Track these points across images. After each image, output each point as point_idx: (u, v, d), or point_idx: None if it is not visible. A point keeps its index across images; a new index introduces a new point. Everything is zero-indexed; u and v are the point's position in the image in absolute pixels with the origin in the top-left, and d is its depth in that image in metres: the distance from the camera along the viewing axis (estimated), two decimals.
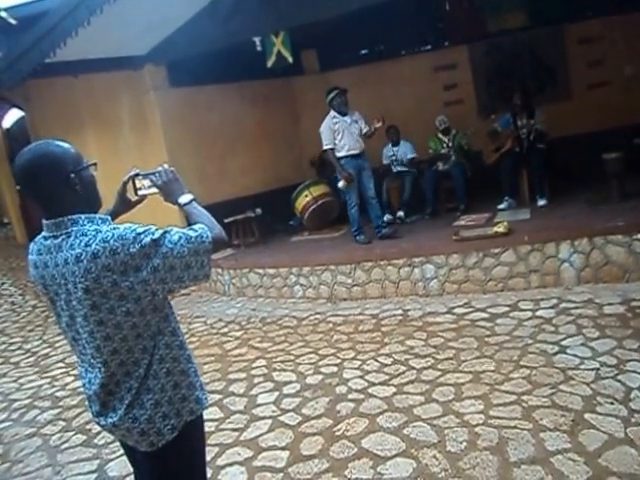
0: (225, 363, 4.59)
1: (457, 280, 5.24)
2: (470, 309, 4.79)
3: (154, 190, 1.81)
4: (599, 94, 7.29)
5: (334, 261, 5.81)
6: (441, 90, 8.17)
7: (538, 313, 4.42)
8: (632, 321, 3.94)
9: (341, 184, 6.00)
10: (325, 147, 6.07)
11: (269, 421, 3.50)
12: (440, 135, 7.06)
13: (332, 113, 6.08)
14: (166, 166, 1.82)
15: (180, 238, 1.57)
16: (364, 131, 6.10)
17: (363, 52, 8.68)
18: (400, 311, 5.08)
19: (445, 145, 7.02)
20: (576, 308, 4.36)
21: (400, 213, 6.91)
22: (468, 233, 5.47)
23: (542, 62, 7.72)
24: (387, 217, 6.82)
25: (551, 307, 4.48)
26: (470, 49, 8.05)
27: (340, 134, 5.98)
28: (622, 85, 7.12)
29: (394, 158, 7.35)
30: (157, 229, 1.58)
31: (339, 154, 6.03)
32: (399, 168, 7.28)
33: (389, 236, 6.06)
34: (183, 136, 7.15)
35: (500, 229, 5.23)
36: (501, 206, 6.32)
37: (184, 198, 1.78)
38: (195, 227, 1.64)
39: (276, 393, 3.88)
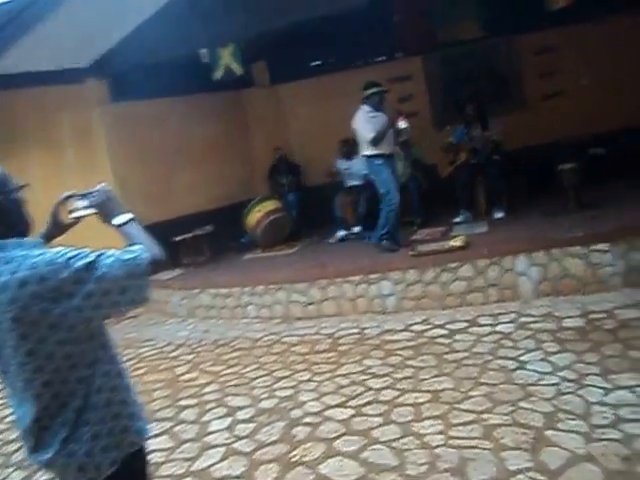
0: (175, 389, 4.46)
1: (415, 296, 5.17)
2: (428, 326, 4.73)
3: (90, 211, 1.74)
4: (554, 105, 7.40)
5: (288, 279, 5.68)
6: (396, 102, 8.16)
7: (497, 328, 4.39)
8: (591, 334, 3.95)
9: (403, 124, 5.54)
10: (372, 135, 5.44)
11: (222, 449, 3.42)
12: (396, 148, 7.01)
13: (366, 107, 5.65)
14: (103, 185, 1.76)
15: (115, 261, 1.50)
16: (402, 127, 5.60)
17: (315, 64, 8.58)
18: (357, 329, 4.98)
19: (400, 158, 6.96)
20: (535, 322, 4.35)
21: (357, 228, 6.82)
22: (425, 248, 5.43)
23: (496, 73, 7.81)
24: (340, 233, 6.73)
25: (510, 322, 4.46)
26: (424, 60, 8.08)
27: (373, 129, 5.53)
28: (576, 95, 7.24)
29: (349, 172, 7.28)
30: (90, 252, 1.51)
31: (375, 151, 5.52)
32: (353, 182, 7.21)
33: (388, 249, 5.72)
34: (129, 153, 6.95)
35: (457, 243, 5.19)
36: (457, 219, 6.31)
37: (122, 218, 1.71)
38: (132, 248, 1.58)
39: (229, 419, 3.78)
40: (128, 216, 1.71)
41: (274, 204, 7.26)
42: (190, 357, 5.11)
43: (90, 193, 1.74)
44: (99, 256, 1.50)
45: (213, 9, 5.46)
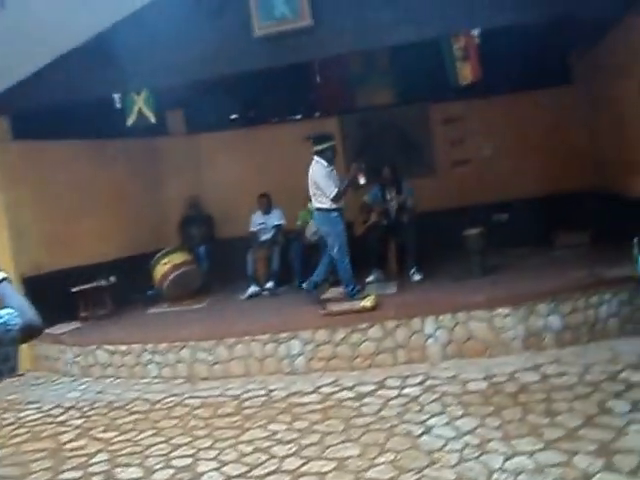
0: (58, 459, 4.01)
1: (324, 357, 5.06)
2: (337, 387, 4.61)
3: None
4: (461, 172, 7.74)
5: (194, 336, 5.40)
6: (311, 160, 8.27)
7: (404, 391, 4.34)
8: (493, 397, 3.98)
9: (363, 179, 5.58)
10: (335, 192, 5.54)
11: None
12: (310, 206, 7.01)
13: (323, 162, 5.66)
14: None
15: None
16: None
17: (233, 117, 8.55)
18: (264, 391, 4.78)
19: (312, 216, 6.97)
20: (441, 385, 4.34)
21: (270, 284, 6.69)
22: (336, 307, 5.36)
23: (408, 138, 8.08)
24: (252, 289, 6.58)
25: (417, 384, 4.43)
26: (341, 121, 8.22)
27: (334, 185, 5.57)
28: (482, 164, 7.61)
29: (264, 226, 7.21)
30: None
31: (333, 205, 5.59)
32: (268, 236, 7.14)
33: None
34: (28, 194, 6.47)
35: (367, 303, 5.16)
36: (369, 279, 6.30)
37: None
38: (1, 312, 1.44)
39: None
40: (1, 275, 1.57)
41: (183, 256, 7.00)
42: (79, 422, 4.67)
43: None
44: None
45: (128, 54, 5.32)
